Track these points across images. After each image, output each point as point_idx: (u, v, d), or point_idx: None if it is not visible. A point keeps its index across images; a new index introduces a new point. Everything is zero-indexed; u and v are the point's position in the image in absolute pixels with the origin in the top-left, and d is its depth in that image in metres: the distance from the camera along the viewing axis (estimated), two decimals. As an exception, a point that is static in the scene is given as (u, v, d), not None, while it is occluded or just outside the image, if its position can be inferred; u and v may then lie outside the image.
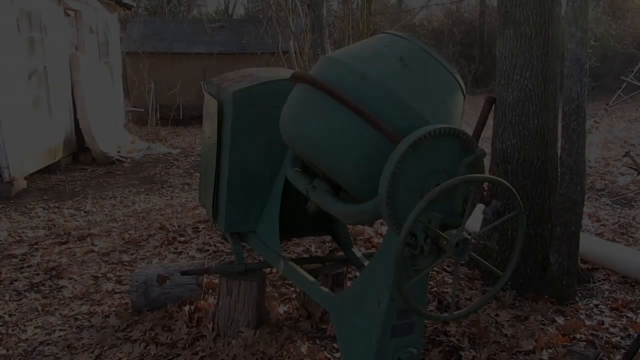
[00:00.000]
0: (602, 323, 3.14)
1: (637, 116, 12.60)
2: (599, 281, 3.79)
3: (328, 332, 3.09)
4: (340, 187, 2.45)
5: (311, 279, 2.67)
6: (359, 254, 3.07)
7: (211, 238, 4.76)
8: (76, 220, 5.58)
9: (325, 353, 2.88)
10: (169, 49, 14.86)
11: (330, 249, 4.27)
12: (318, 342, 3.01)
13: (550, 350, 2.77)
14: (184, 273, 3.18)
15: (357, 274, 3.80)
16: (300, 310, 3.28)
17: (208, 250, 4.52)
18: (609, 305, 3.38)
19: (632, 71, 7.45)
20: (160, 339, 3.04)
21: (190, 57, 14.89)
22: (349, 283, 3.30)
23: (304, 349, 2.89)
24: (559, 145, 3.52)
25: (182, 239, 4.78)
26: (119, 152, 8.82)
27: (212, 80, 3.28)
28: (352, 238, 3.41)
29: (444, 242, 1.92)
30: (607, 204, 5.56)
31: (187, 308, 3.29)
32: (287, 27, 9.93)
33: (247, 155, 2.96)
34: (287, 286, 3.68)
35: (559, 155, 3.46)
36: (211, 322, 3.12)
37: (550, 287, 3.42)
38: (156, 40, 15.12)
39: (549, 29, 3.38)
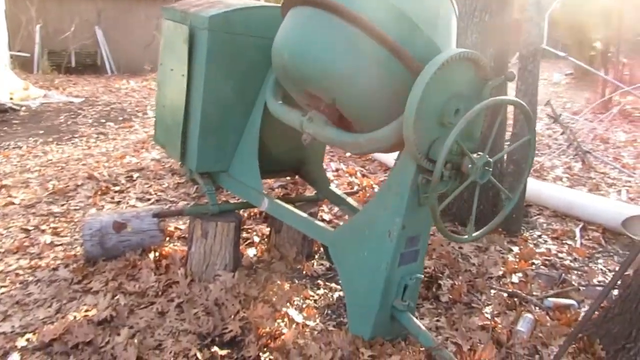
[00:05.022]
0: (550, 250, 3.45)
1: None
2: (535, 215, 4.14)
3: (304, 272, 3.06)
4: (339, 118, 2.37)
5: (303, 214, 2.60)
6: (338, 192, 3.04)
7: (150, 187, 4.44)
8: (-21, 172, 4.88)
9: (308, 291, 2.85)
10: (56, -14, 13.22)
11: (288, 189, 4.19)
12: (296, 281, 2.97)
13: (520, 275, 2.99)
14: (156, 215, 2.93)
15: (325, 215, 3.79)
16: (272, 252, 3.19)
17: (149, 199, 4.21)
18: (549, 235, 3.72)
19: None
20: (128, 288, 2.80)
21: (82, -1, 13.40)
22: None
23: (286, 288, 2.83)
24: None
25: (117, 188, 4.39)
26: (11, 99, 7.80)
27: (174, 6, 2.97)
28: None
29: (469, 166, 1.95)
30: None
31: (152, 255, 3.06)
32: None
33: (221, 88, 2.75)
34: (249, 231, 3.56)
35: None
36: (182, 268, 2.93)
37: (502, 221, 3.66)
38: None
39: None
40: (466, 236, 2.14)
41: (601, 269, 3.25)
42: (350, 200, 2.94)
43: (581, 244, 3.60)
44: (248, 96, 2.84)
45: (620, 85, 6.59)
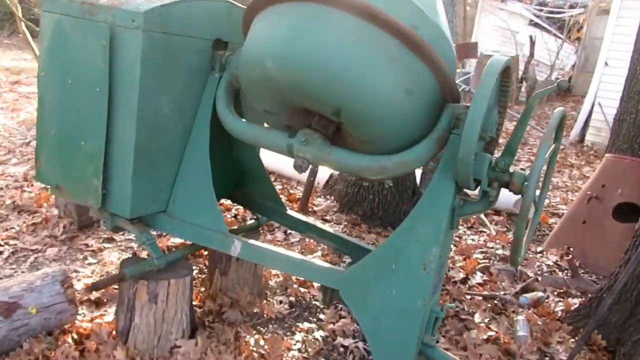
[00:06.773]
0: (479, 241, 3.57)
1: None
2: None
3: (266, 315, 2.60)
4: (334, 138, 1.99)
5: (297, 255, 2.14)
6: (300, 216, 2.61)
7: (-6, 234, 3.32)
8: None
9: (287, 339, 2.41)
10: None
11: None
12: (262, 329, 2.49)
13: (481, 274, 2.99)
14: (94, 287, 2.10)
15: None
16: (219, 298, 2.63)
17: (1, 252, 3.14)
18: (464, 226, 3.85)
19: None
20: (50, 395, 1.99)
21: None
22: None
23: (261, 342, 2.35)
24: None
25: (-56, 243, 3.18)
26: None
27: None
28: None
29: (525, 184, 1.77)
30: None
31: (69, 338, 2.23)
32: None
33: (158, 106, 2.10)
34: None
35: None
36: (119, 347, 2.20)
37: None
38: None
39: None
40: (520, 259, 2.00)
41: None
42: (319, 224, 2.55)
43: (496, 230, 3.81)
44: (186, 113, 2.23)
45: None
